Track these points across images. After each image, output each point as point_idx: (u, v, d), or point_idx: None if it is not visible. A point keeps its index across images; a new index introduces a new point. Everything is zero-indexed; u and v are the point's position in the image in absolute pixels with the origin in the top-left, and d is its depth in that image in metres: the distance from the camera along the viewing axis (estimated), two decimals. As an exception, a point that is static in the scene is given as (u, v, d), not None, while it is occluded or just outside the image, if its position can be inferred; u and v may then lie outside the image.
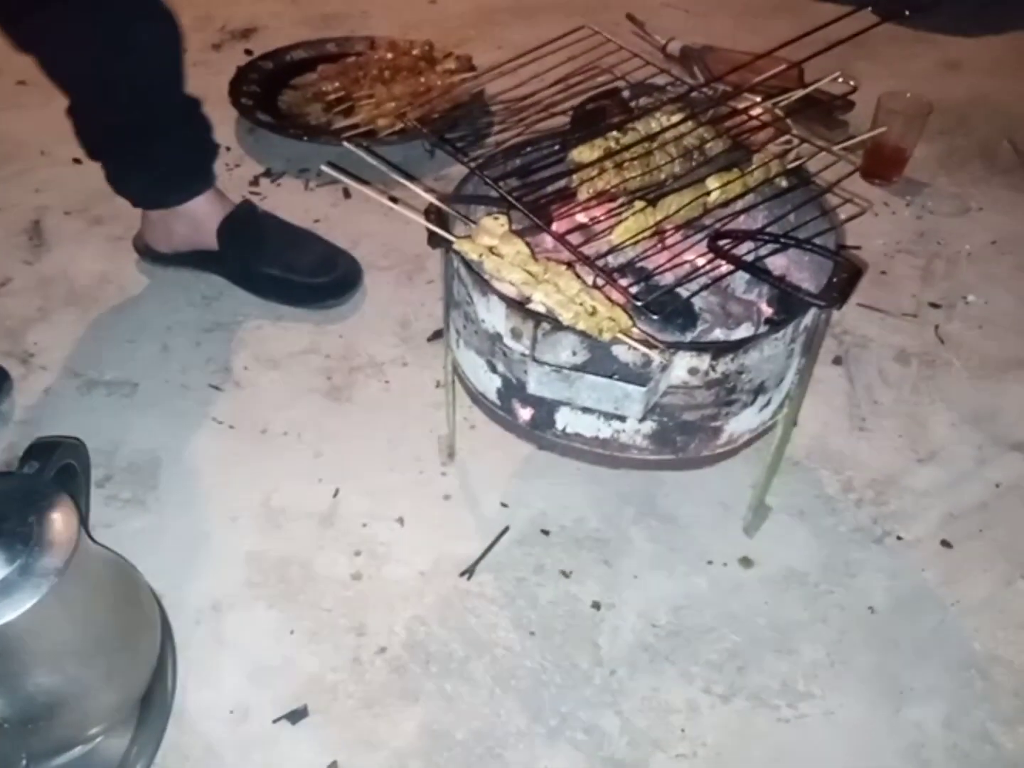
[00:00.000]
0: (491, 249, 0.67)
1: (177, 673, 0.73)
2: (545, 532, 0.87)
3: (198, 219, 1.07)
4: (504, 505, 0.89)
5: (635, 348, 0.62)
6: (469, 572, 0.83)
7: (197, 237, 1.08)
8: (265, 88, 1.43)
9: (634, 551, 0.85)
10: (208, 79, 1.50)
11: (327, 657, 0.76)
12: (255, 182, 1.30)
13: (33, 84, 1.25)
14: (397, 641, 0.77)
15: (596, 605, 0.81)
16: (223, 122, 1.34)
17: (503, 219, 0.68)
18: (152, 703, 0.69)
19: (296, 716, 0.72)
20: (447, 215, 0.73)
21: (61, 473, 0.71)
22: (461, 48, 1.46)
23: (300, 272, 1.09)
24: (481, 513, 0.88)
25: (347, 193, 1.28)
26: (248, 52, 1.57)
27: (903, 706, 0.75)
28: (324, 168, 0.77)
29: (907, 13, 1.38)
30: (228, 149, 1.35)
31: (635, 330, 0.64)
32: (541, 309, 0.65)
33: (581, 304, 0.63)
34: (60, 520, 0.59)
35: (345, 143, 0.75)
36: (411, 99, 1.31)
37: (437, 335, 1.06)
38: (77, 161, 1.25)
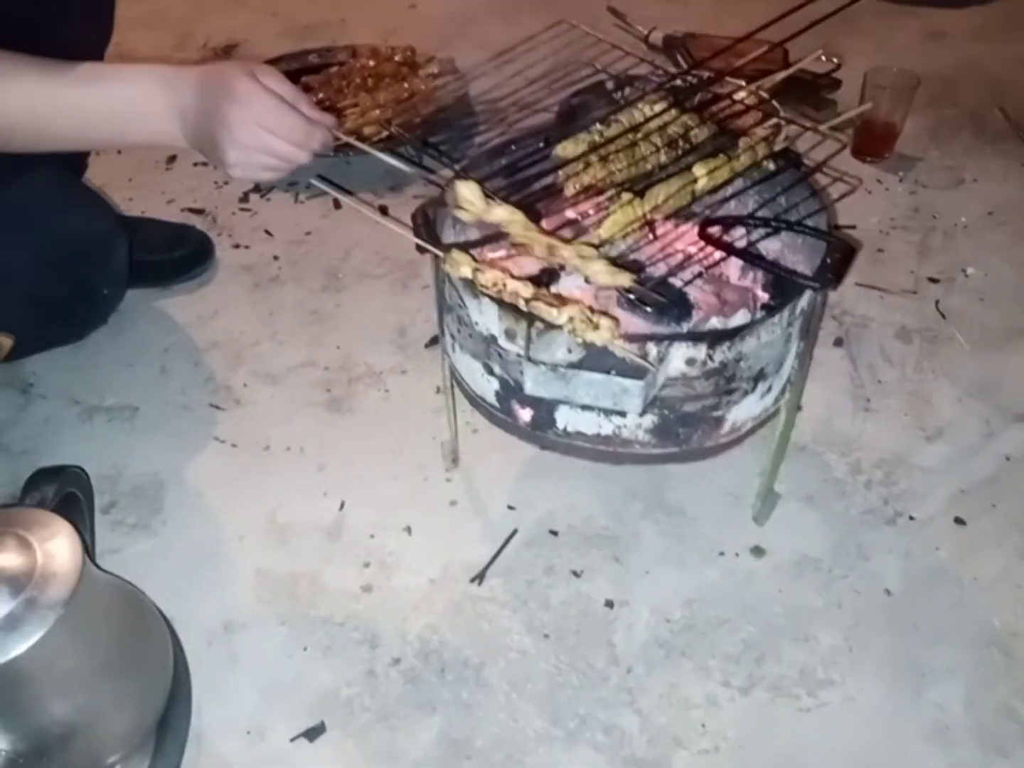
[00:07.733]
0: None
1: (192, 696, 0.73)
2: (554, 532, 0.86)
3: None
4: (511, 508, 0.88)
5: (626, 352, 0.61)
6: (479, 577, 0.82)
7: None
8: (249, 103, 1.42)
9: (644, 546, 0.85)
10: (192, 98, 1.50)
11: (341, 671, 0.76)
12: (244, 198, 1.29)
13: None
14: (410, 651, 0.77)
15: (609, 603, 0.80)
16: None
17: (474, 185, 0.67)
18: (168, 727, 0.69)
19: (313, 733, 0.72)
20: (435, 221, 0.73)
21: (64, 502, 0.71)
22: (443, 51, 1.45)
23: (156, 251, 1.11)
24: (488, 517, 0.88)
25: (337, 204, 1.27)
26: (231, 68, 1.56)
27: (924, 688, 0.74)
28: (313, 181, 0.77)
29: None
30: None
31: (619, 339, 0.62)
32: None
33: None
34: (64, 551, 0.59)
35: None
36: (396, 105, 1.31)
37: (435, 341, 1.05)
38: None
